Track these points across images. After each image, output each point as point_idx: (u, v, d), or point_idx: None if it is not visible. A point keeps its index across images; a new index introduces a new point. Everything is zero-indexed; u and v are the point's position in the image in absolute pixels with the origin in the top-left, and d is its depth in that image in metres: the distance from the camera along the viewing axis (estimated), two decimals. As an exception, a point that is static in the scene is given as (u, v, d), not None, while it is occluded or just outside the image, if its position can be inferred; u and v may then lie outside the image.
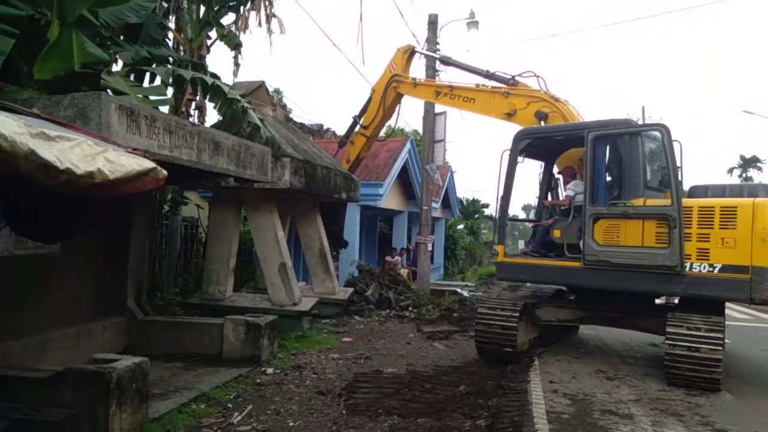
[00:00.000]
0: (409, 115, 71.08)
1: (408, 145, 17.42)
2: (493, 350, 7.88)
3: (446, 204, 24.73)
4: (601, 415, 5.69)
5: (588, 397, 6.31)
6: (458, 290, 16.41)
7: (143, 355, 5.34)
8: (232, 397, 6.21)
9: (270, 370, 7.26)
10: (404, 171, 17.59)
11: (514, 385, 6.68)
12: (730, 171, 62.63)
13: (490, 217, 37.91)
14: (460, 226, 30.42)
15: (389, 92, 12.23)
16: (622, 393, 6.49)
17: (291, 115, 22.38)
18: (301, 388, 6.63)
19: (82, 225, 4.79)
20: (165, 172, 3.47)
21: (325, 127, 20.14)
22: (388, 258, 17.71)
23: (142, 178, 3.27)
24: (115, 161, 3.08)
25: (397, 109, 12.80)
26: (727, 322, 7.45)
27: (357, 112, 13.20)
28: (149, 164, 3.34)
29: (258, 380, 6.86)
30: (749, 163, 59.85)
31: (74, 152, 2.87)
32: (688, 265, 6.81)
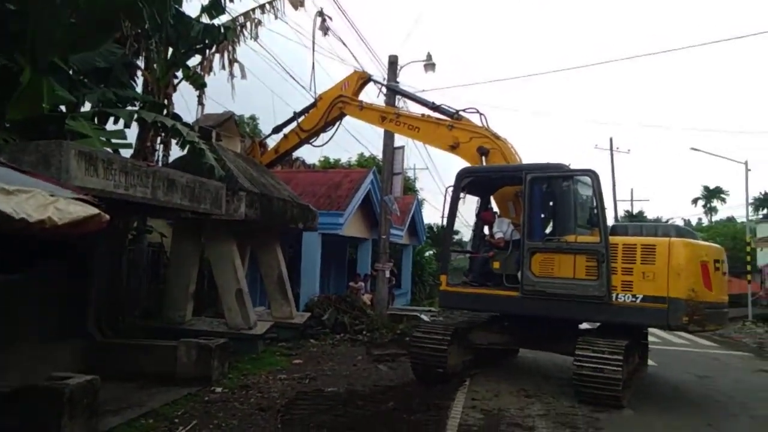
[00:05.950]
0: (374, 145, 71.29)
1: (371, 176, 18.26)
2: (425, 371, 8.57)
3: (413, 231, 25.56)
4: (507, 427, 6.43)
5: (501, 412, 7.05)
6: (419, 315, 17.06)
7: (100, 376, 5.90)
8: (179, 413, 6.78)
9: (218, 389, 7.84)
10: (367, 200, 18.37)
11: (438, 402, 7.36)
12: (695, 201, 64.84)
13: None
14: (429, 252, 31.20)
15: (334, 110, 12.47)
16: (533, 409, 7.23)
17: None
18: (245, 405, 7.23)
19: (42, 256, 5.45)
20: (107, 216, 4.15)
21: (294, 156, 20.89)
22: (351, 283, 18.38)
23: (87, 222, 3.95)
24: (64, 209, 3.76)
25: (337, 125, 12.99)
26: (663, 347, 8.23)
27: (299, 110, 13.26)
28: (94, 210, 4.02)
29: (206, 398, 7.44)
30: (713, 193, 62.06)
31: (29, 203, 3.55)
32: (614, 295, 7.64)
